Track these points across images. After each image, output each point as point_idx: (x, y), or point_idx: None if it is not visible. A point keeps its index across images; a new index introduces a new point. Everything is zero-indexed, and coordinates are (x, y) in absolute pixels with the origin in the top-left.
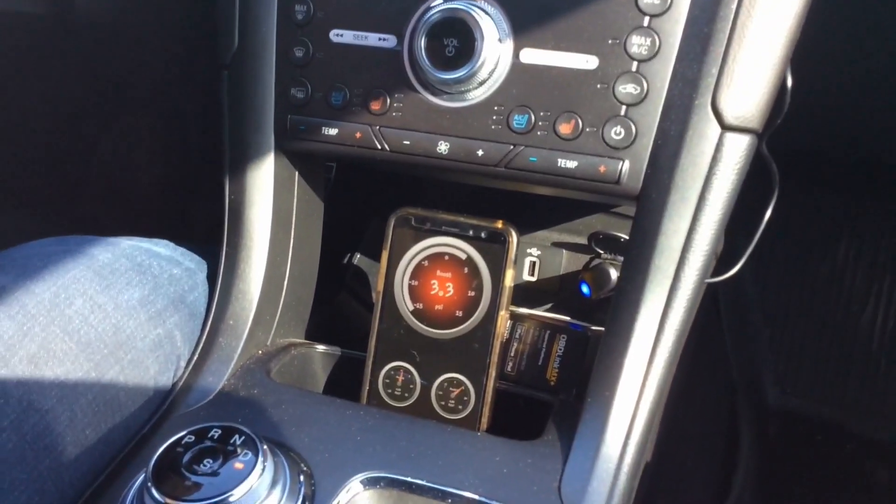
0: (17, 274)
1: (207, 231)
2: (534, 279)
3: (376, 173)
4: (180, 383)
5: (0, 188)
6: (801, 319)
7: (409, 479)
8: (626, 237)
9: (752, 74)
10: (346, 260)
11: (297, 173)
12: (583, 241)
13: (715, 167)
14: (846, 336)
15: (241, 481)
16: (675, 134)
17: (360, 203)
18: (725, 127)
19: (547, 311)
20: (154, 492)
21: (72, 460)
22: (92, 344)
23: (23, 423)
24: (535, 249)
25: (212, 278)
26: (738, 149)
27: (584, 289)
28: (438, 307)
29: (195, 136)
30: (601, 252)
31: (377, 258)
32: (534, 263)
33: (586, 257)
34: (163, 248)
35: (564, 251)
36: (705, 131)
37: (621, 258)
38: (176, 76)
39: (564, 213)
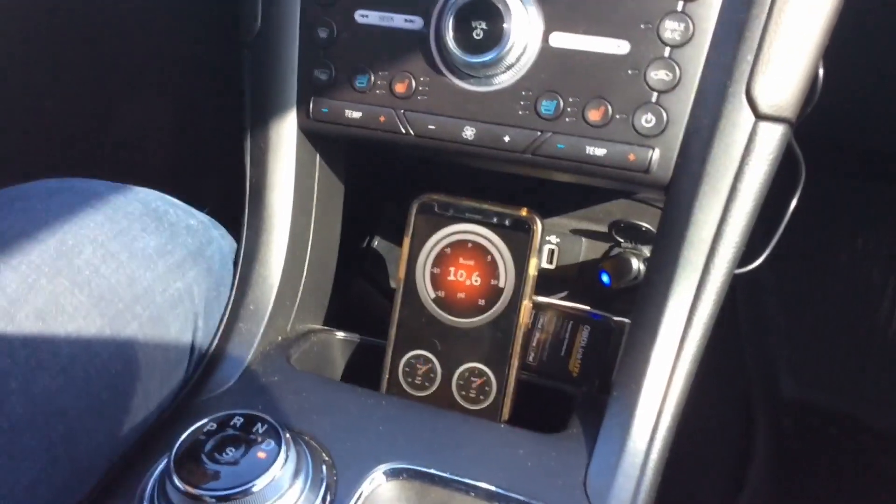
0: (15, 218)
1: (218, 212)
2: (552, 267)
3: (391, 155)
4: (207, 352)
5: (9, 166)
6: (819, 310)
7: (432, 470)
8: (648, 226)
9: (787, 62)
10: (364, 244)
11: (318, 156)
12: (603, 228)
13: (747, 157)
14: (864, 327)
15: (265, 471)
16: (708, 122)
17: (374, 186)
18: (759, 116)
19: (564, 299)
20: (176, 480)
21: (87, 428)
22: (105, 297)
23: (32, 385)
24: (554, 236)
25: (226, 238)
26: (771, 138)
27: (605, 278)
28: (461, 295)
29: (209, 116)
30: (621, 241)
31: (394, 242)
32: (552, 251)
33: (605, 245)
34: (175, 200)
35: (584, 239)
36: (739, 120)
37: (642, 247)
38: (191, 56)
39: (584, 199)
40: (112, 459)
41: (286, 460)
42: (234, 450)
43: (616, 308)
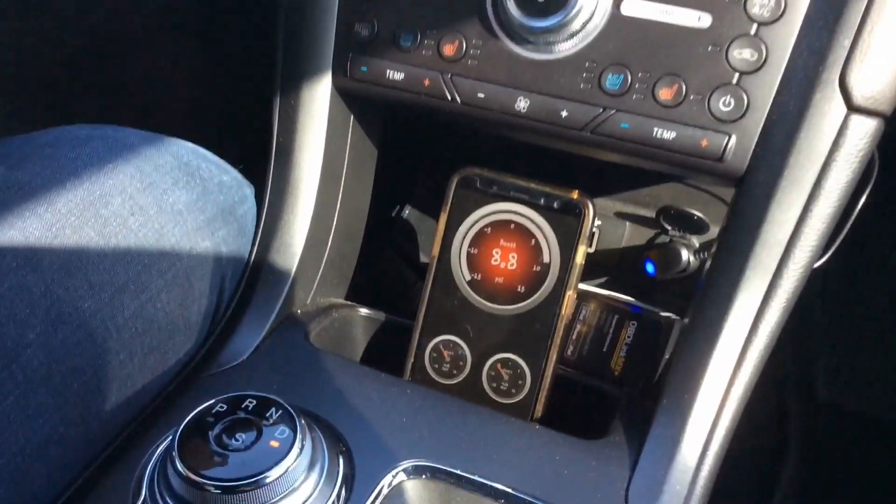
0: (43, 164)
1: (240, 164)
2: (592, 250)
3: (433, 122)
4: (221, 321)
5: (29, 109)
6: (863, 311)
7: (459, 471)
8: (700, 215)
9: (889, 50)
10: (394, 213)
11: (352, 117)
12: (649, 213)
13: (836, 152)
14: None
15: (278, 462)
16: (794, 110)
17: (411, 152)
18: (852, 107)
19: (602, 286)
20: (178, 463)
21: (102, 388)
22: (131, 251)
23: (51, 338)
24: (596, 219)
25: (260, 197)
26: (863, 133)
27: (650, 268)
28: (499, 280)
29: (236, 65)
30: (669, 228)
31: (428, 214)
32: (593, 233)
33: (650, 232)
34: (208, 153)
35: (628, 223)
36: (829, 110)
37: (692, 237)
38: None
39: (632, 180)
40: (124, 425)
41: (301, 450)
42: (244, 435)
43: (659, 300)
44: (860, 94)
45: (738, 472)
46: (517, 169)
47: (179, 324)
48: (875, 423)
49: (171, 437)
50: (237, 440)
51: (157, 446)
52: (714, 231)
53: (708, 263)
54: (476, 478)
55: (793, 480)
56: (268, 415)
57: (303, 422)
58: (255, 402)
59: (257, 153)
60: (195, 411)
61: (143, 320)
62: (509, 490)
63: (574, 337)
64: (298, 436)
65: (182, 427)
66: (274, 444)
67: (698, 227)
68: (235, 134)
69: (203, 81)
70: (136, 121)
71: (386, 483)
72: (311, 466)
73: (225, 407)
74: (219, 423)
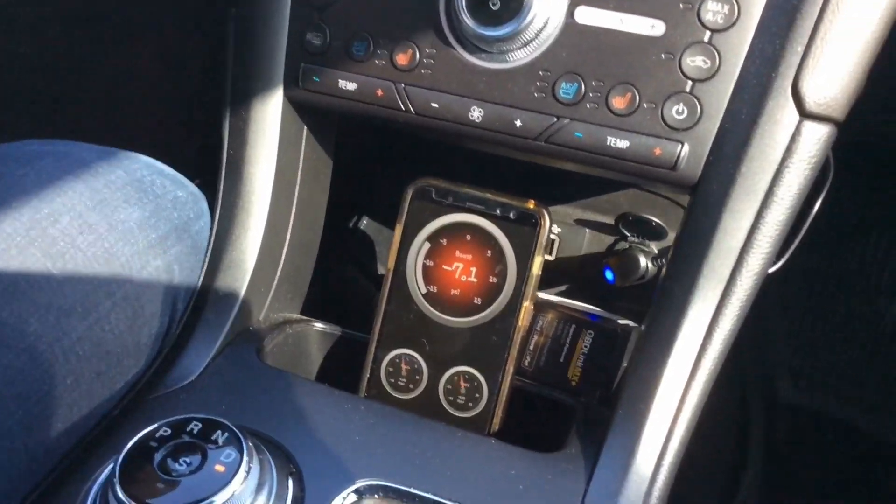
0: None
1: (201, 171)
2: (552, 258)
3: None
4: (169, 341)
5: None
6: (821, 312)
7: (412, 489)
8: (658, 221)
9: (841, 56)
10: (352, 224)
11: (305, 129)
12: (608, 220)
13: (788, 159)
14: (867, 333)
15: (223, 486)
16: (747, 118)
17: (367, 162)
18: (805, 114)
19: (563, 293)
20: (120, 492)
21: (47, 415)
22: (80, 272)
23: None
24: (556, 226)
25: (213, 212)
26: (816, 140)
27: (609, 275)
28: (455, 292)
29: (196, 73)
30: (628, 235)
31: (386, 225)
32: (552, 241)
33: (610, 238)
34: (165, 167)
35: (587, 230)
36: (781, 117)
37: (651, 243)
38: (182, 5)
39: (591, 187)
40: (68, 452)
41: (248, 474)
42: (189, 459)
43: (619, 307)
44: (813, 101)
45: (699, 478)
46: (477, 176)
47: (129, 346)
48: (835, 422)
49: (112, 465)
50: (182, 465)
51: (100, 474)
52: (672, 237)
53: (664, 269)
54: (430, 496)
55: (752, 484)
56: (213, 437)
57: (250, 444)
58: (200, 424)
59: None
60: (137, 437)
61: (91, 343)
62: None
63: (531, 347)
64: (245, 458)
65: (123, 454)
66: (219, 468)
67: (657, 233)
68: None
69: (165, 92)
70: (98, 134)
71: None
72: (258, 489)
73: (169, 431)
74: (162, 448)
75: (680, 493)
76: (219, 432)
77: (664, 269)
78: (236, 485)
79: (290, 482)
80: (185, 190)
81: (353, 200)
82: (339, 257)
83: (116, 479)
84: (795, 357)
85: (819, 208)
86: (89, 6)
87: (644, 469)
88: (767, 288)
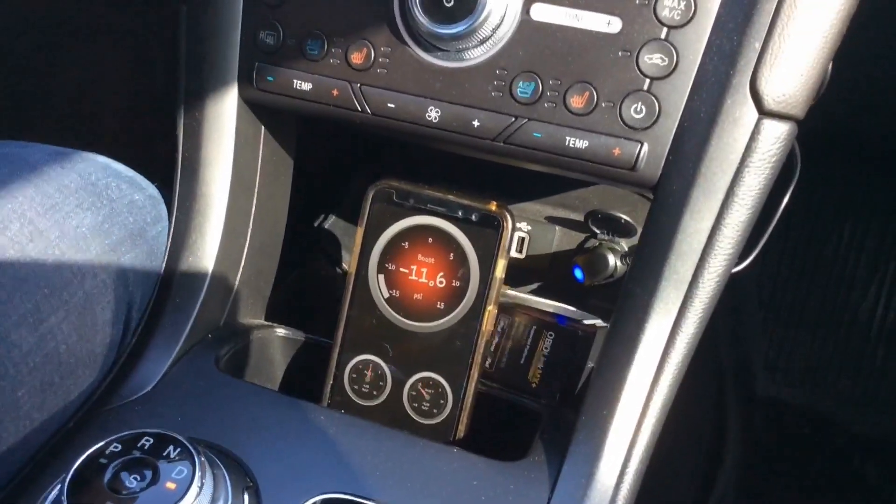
0: None
1: (169, 172)
2: (521, 256)
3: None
4: (124, 351)
5: None
6: (797, 304)
7: (373, 502)
8: (627, 218)
9: (799, 53)
10: (316, 223)
11: (263, 129)
12: (578, 217)
13: (748, 157)
14: (844, 324)
15: None
16: (705, 116)
17: (330, 161)
18: (764, 112)
19: (534, 291)
20: None
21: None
22: (30, 280)
23: None
24: (525, 223)
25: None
26: (775, 137)
27: (578, 274)
28: (417, 297)
29: (161, 72)
30: (598, 232)
31: (353, 223)
32: (522, 239)
33: (580, 236)
34: (123, 168)
35: (557, 228)
36: (740, 115)
37: (620, 240)
38: (140, 8)
39: (559, 184)
40: (21, 467)
41: (200, 489)
42: (139, 477)
43: (590, 305)
44: (771, 98)
45: (676, 472)
46: (445, 172)
47: (82, 356)
48: (812, 415)
49: (60, 484)
50: (132, 482)
51: (49, 492)
52: None
53: (628, 270)
54: None
55: (730, 478)
56: (165, 453)
57: (202, 458)
58: (151, 439)
59: None
60: (86, 453)
61: (43, 354)
62: None
63: (493, 349)
64: (198, 474)
65: (72, 472)
66: (171, 485)
67: (626, 230)
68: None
69: (131, 93)
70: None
71: None
72: None
73: (119, 447)
74: (112, 465)
75: (657, 488)
76: (171, 447)
77: (628, 271)
78: (188, 501)
79: (246, 497)
80: (142, 193)
81: (319, 199)
82: (310, 251)
83: (65, 498)
84: (772, 350)
85: (790, 202)
86: (52, 8)
87: (608, 477)
88: (743, 281)
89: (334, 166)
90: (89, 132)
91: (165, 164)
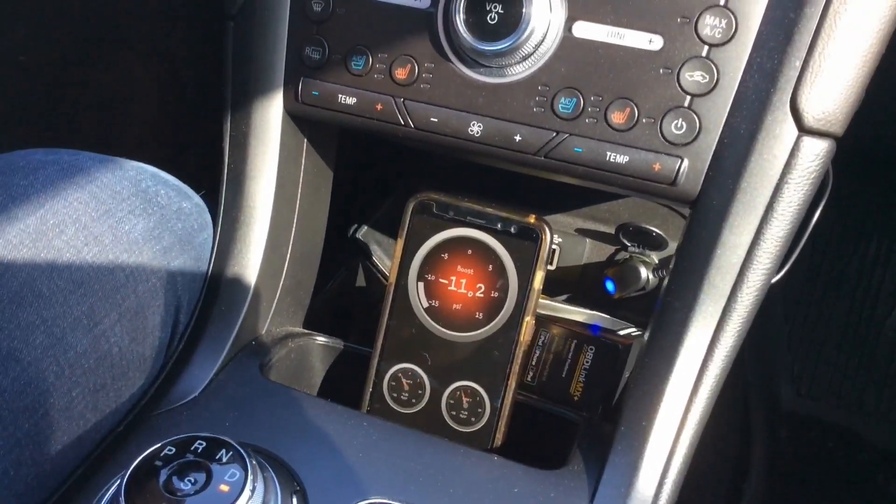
0: None
1: (199, 180)
2: (552, 268)
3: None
4: (173, 356)
5: None
6: (823, 318)
7: None
8: (658, 231)
9: (840, 70)
10: (349, 234)
11: (305, 142)
12: (609, 230)
13: (788, 174)
14: (870, 338)
15: None
16: (746, 133)
17: (369, 175)
18: (804, 129)
19: (564, 302)
20: None
21: (53, 428)
22: (85, 283)
23: (2, 376)
24: (556, 236)
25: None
26: (815, 155)
27: (609, 286)
28: (456, 307)
29: (191, 82)
30: (628, 245)
31: (386, 234)
32: (553, 251)
33: (611, 248)
34: (170, 177)
35: (588, 240)
36: (780, 132)
37: (651, 253)
38: (172, 19)
39: (591, 197)
40: (74, 466)
41: (252, 493)
42: (194, 479)
43: (620, 317)
44: (811, 116)
45: (701, 486)
46: (479, 185)
47: (133, 359)
48: (836, 429)
49: (117, 483)
50: (187, 484)
51: (106, 491)
52: (673, 246)
53: (665, 283)
54: None
55: (755, 492)
56: (218, 456)
57: (254, 462)
58: (204, 443)
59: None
60: (142, 455)
61: (96, 356)
62: None
63: (534, 363)
64: (249, 477)
65: (129, 472)
66: (224, 487)
67: (657, 243)
68: (193, 155)
69: (163, 102)
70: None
71: None
72: None
73: (173, 450)
74: (167, 467)
75: (683, 502)
76: (223, 451)
77: (665, 284)
78: None
79: (295, 500)
80: (189, 201)
81: (351, 209)
82: (342, 265)
83: (122, 498)
84: (797, 365)
85: (825, 216)
86: (89, 18)
87: (647, 487)
88: (769, 295)
89: (372, 177)
90: (118, 144)
91: (199, 175)
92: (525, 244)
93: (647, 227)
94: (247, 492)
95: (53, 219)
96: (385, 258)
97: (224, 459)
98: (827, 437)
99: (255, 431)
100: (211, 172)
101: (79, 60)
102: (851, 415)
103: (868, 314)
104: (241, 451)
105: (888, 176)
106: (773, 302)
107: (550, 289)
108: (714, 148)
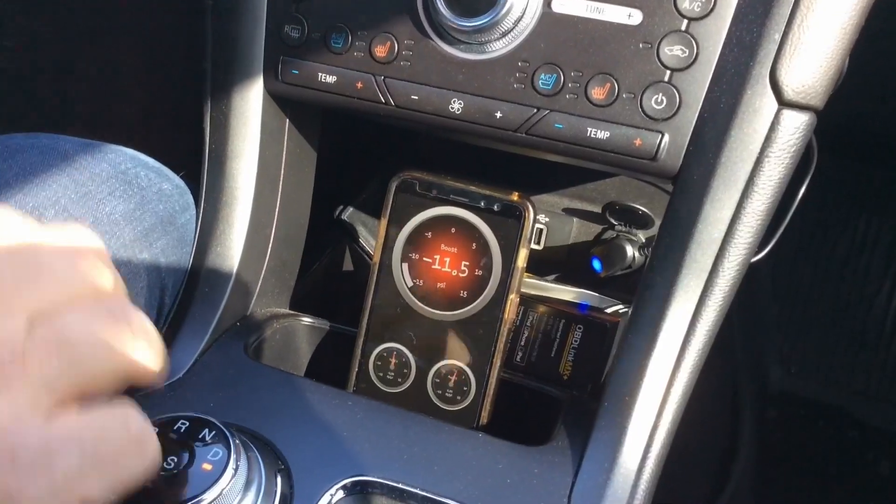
0: None
1: (191, 164)
2: (540, 248)
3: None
4: (162, 328)
5: None
6: (812, 298)
7: (401, 485)
8: (644, 210)
9: (819, 43)
10: (335, 215)
11: (287, 122)
12: (596, 209)
13: (768, 147)
14: (859, 317)
15: (211, 485)
16: (725, 107)
17: (353, 153)
18: (784, 102)
19: (552, 281)
20: None
21: None
22: None
23: None
24: (543, 215)
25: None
26: (795, 128)
27: (596, 265)
28: (441, 285)
29: (179, 64)
30: (615, 223)
31: (370, 214)
32: (541, 231)
33: (598, 227)
34: (150, 159)
35: (575, 219)
36: (760, 106)
37: (638, 232)
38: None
39: (577, 176)
40: None
41: (236, 471)
42: (176, 459)
43: (608, 293)
44: (791, 89)
45: (690, 465)
46: (465, 164)
47: None
48: (826, 408)
49: None
50: (170, 463)
51: None
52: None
53: (647, 259)
54: (418, 490)
55: (744, 471)
56: (201, 436)
57: (237, 441)
58: (188, 423)
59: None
60: None
61: None
62: (451, 502)
63: (523, 343)
64: (233, 456)
65: None
66: (207, 466)
67: (643, 221)
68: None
69: (149, 85)
70: (81, 127)
71: (325, 501)
72: (246, 487)
73: (157, 430)
74: None
75: (671, 481)
76: (206, 430)
77: (647, 260)
78: (224, 483)
79: (279, 479)
80: (170, 182)
81: (341, 190)
82: (326, 246)
83: None
84: (786, 344)
85: (805, 194)
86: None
87: (630, 461)
88: (758, 275)
89: (356, 158)
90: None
91: (182, 158)
92: (508, 222)
93: (634, 205)
94: (229, 470)
95: (33, 202)
96: (371, 239)
97: (207, 439)
98: (816, 416)
99: (240, 411)
100: (199, 156)
101: (65, 47)
102: (840, 393)
103: (857, 294)
104: (225, 430)
105: (877, 154)
106: (761, 282)
107: (538, 268)
108: (694, 122)
